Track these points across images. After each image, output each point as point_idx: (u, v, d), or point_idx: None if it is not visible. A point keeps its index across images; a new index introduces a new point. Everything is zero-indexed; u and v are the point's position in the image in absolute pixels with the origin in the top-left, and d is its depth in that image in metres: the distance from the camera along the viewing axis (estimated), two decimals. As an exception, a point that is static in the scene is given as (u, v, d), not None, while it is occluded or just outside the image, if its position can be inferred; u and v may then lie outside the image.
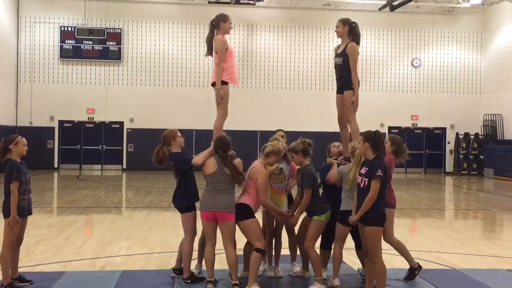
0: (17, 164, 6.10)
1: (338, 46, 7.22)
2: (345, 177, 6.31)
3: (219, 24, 6.95)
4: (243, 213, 6.10)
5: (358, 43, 7.06)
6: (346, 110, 7.01)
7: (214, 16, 7.07)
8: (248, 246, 6.29)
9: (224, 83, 6.81)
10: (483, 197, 18.40)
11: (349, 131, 7.13)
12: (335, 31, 7.18)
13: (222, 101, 6.82)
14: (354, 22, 7.11)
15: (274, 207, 6.33)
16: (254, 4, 23.51)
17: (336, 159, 6.73)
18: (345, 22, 7.10)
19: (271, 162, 6.29)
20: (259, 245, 6.05)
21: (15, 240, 6.12)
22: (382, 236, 5.97)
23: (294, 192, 6.64)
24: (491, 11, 26.86)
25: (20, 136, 6.26)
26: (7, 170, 6.08)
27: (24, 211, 6.16)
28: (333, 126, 7.31)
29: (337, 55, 7.12)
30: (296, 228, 6.71)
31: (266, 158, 6.25)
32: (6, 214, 6.05)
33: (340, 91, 7.16)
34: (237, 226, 6.20)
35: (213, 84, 6.88)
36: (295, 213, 6.40)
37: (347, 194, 6.30)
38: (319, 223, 6.30)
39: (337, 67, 7.12)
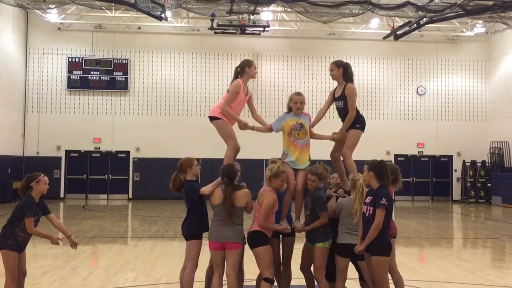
0: (30, 203, 6.11)
1: (335, 89, 7.15)
2: (344, 210, 6.26)
3: (244, 70, 7.08)
4: (256, 240, 6.12)
5: (352, 82, 7.05)
6: (344, 146, 6.91)
7: (239, 63, 7.21)
8: (259, 280, 6.25)
9: (219, 118, 6.88)
10: (491, 226, 18.21)
11: (342, 166, 7.03)
12: (330, 75, 7.15)
13: (224, 135, 6.89)
14: (347, 63, 7.11)
15: (273, 227, 6.27)
16: (259, 34, 23.73)
17: (336, 191, 6.71)
18: (339, 64, 7.09)
19: (277, 186, 6.28)
20: (267, 274, 6.03)
21: (18, 273, 6.10)
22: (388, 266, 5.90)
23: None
24: (495, 40, 27.02)
25: (42, 175, 6.30)
26: (21, 205, 6.09)
27: (17, 247, 6.11)
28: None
29: (337, 99, 7.05)
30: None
31: (271, 183, 6.26)
32: (1, 245, 6.06)
33: (349, 128, 7.06)
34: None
35: (210, 118, 6.96)
36: (305, 227, 6.38)
37: (344, 227, 6.25)
38: (324, 250, 6.29)
39: (340, 110, 7.05)
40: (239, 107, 7.04)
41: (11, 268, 6.01)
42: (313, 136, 6.88)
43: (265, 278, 6.02)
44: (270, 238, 6.22)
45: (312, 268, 6.48)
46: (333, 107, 7.20)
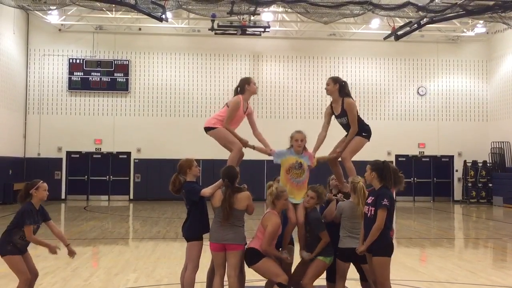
0: (30, 210, 6.15)
1: (331, 106, 7.13)
2: (345, 214, 6.24)
3: (244, 88, 7.10)
4: (252, 257, 6.12)
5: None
6: (346, 149, 6.89)
7: (238, 82, 7.20)
8: (269, 285, 6.25)
9: (213, 128, 6.91)
10: (492, 226, 18.20)
11: (340, 168, 7.01)
12: (325, 89, 7.16)
13: (225, 142, 6.92)
14: (344, 81, 7.11)
15: (275, 253, 6.23)
16: (260, 34, 23.72)
17: (335, 194, 6.69)
18: (335, 80, 7.09)
19: (281, 207, 6.25)
20: (280, 280, 6.00)
21: (31, 274, 6.15)
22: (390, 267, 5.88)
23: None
24: (496, 40, 27.01)
25: (41, 181, 6.34)
26: (21, 212, 6.12)
27: (18, 251, 6.16)
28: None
29: (338, 116, 7.05)
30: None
31: (275, 206, 6.22)
32: (2, 252, 6.12)
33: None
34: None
35: (205, 129, 6.99)
36: (311, 254, 6.24)
37: (345, 231, 6.23)
38: (322, 265, 6.23)
39: (345, 127, 7.04)
40: (236, 124, 7.06)
41: (21, 270, 6.07)
42: (318, 162, 6.80)
43: (278, 283, 6.00)
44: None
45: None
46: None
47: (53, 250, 6.35)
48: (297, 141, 6.63)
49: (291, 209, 6.40)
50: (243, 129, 7.10)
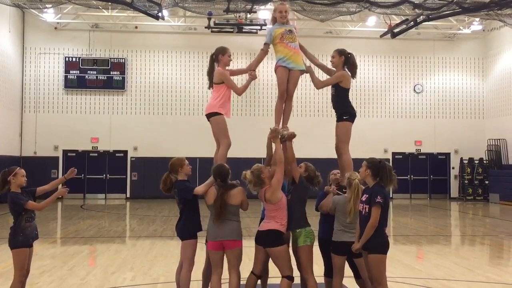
0: (16, 193, 6.16)
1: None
2: (339, 208, 6.25)
3: (218, 57, 7.09)
4: (274, 240, 6.08)
5: (354, 74, 7.02)
6: (338, 141, 6.90)
7: (214, 50, 7.17)
8: (252, 279, 6.24)
9: (218, 114, 6.88)
10: (489, 223, 18.25)
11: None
12: (331, 61, 7.18)
13: (220, 132, 6.89)
14: (350, 53, 7.09)
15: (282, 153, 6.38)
16: (256, 32, 23.71)
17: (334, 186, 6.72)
18: (341, 52, 7.08)
19: (269, 177, 6.21)
20: (289, 272, 6.06)
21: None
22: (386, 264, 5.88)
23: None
24: (492, 37, 27.05)
25: (18, 168, 6.32)
26: (11, 202, 6.12)
27: (29, 239, 6.18)
28: (334, 153, 7.20)
29: (332, 85, 7.10)
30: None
31: (266, 182, 6.20)
32: (13, 245, 6.09)
33: (338, 120, 7.09)
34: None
35: (207, 115, 6.97)
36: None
37: (339, 225, 6.23)
38: (307, 249, 6.24)
39: (332, 98, 7.08)
40: (229, 96, 7.10)
41: (21, 266, 6.09)
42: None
43: (287, 276, 6.05)
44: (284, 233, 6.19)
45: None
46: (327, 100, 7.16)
47: (63, 193, 6.44)
48: (281, 12, 6.84)
49: (282, 79, 6.80)
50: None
